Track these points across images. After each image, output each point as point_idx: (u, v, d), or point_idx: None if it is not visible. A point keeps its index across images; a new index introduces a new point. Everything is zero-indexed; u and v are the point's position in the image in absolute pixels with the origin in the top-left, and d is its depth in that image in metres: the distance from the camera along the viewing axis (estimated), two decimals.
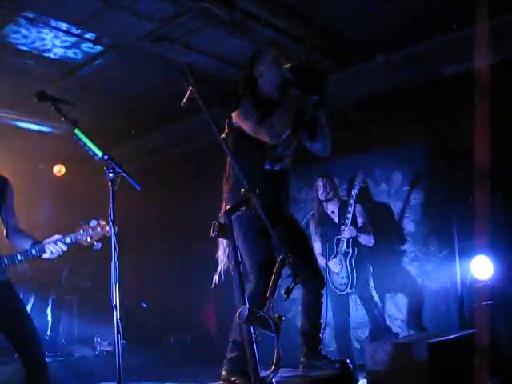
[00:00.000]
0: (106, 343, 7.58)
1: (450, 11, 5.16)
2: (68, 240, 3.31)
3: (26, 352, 3.35)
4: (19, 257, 3.33)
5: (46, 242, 3.34)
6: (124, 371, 2.75)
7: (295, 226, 3.83)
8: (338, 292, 5.69)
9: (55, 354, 6.97)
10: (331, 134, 3.75)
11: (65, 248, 3.33)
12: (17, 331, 3.36)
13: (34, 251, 3.33)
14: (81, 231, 3.28)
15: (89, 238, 3.27)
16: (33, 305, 7.06)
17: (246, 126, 3.52)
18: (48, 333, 7.29)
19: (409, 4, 5.18)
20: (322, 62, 6.16)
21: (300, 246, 3.73)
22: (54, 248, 3.31)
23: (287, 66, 3.61)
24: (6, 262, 3.34)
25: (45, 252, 3.33)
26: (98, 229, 3.27)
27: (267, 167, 3.61)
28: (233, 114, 3.58)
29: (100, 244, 3.28)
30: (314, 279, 3.70)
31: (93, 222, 3.27)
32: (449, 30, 5.48)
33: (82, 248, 3.39)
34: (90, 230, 3.27)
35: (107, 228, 3.22)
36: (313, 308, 3.74)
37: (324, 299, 3.82)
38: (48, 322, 7.35)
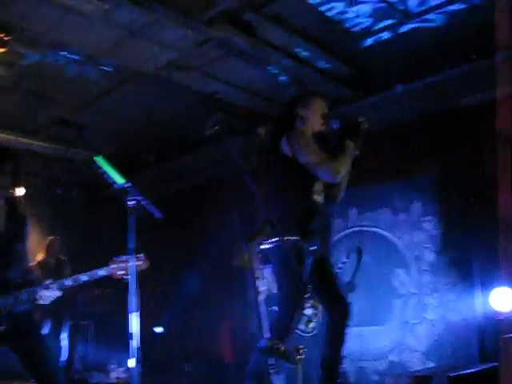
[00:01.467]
0: (121, 370, 7.54)
1: (469, 41, 5.16)
2: (102, 273, 3.32)
3: (44, 379, 3.32)
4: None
5: (81, 275, 3.34)
6: None
7: (322, 257, 3.80)
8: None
9: (70, 381, 6.92)
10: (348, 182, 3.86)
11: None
12: (36, 359, 3.34)
13: (67, 282, 3.34)
14: (114, 265, 3.29)
15: (121, 272, 3.27)
16: (49, 331, 7.04)
17: (308, 158, 3.58)
18: (63, 359, 7.24)
19: (427, 34, 5.22)
20: (342, 91, 6.18)
21: (325, 277, 3.71)
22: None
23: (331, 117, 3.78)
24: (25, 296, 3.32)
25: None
26: (131, 263, 3.28)
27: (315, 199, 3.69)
28: (285, 143, 3.63)
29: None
30: (338, 311, 3.68)
31: (125, 257, 3.28)
32: (468, 60, 5.47)
33: None
34: (122, 264, 3.27)
35: (139, 263, 3.23)
36: (335, 340, 3.69)
37: (348, 331, 3.75)
38: (63, 348, 7.30)
